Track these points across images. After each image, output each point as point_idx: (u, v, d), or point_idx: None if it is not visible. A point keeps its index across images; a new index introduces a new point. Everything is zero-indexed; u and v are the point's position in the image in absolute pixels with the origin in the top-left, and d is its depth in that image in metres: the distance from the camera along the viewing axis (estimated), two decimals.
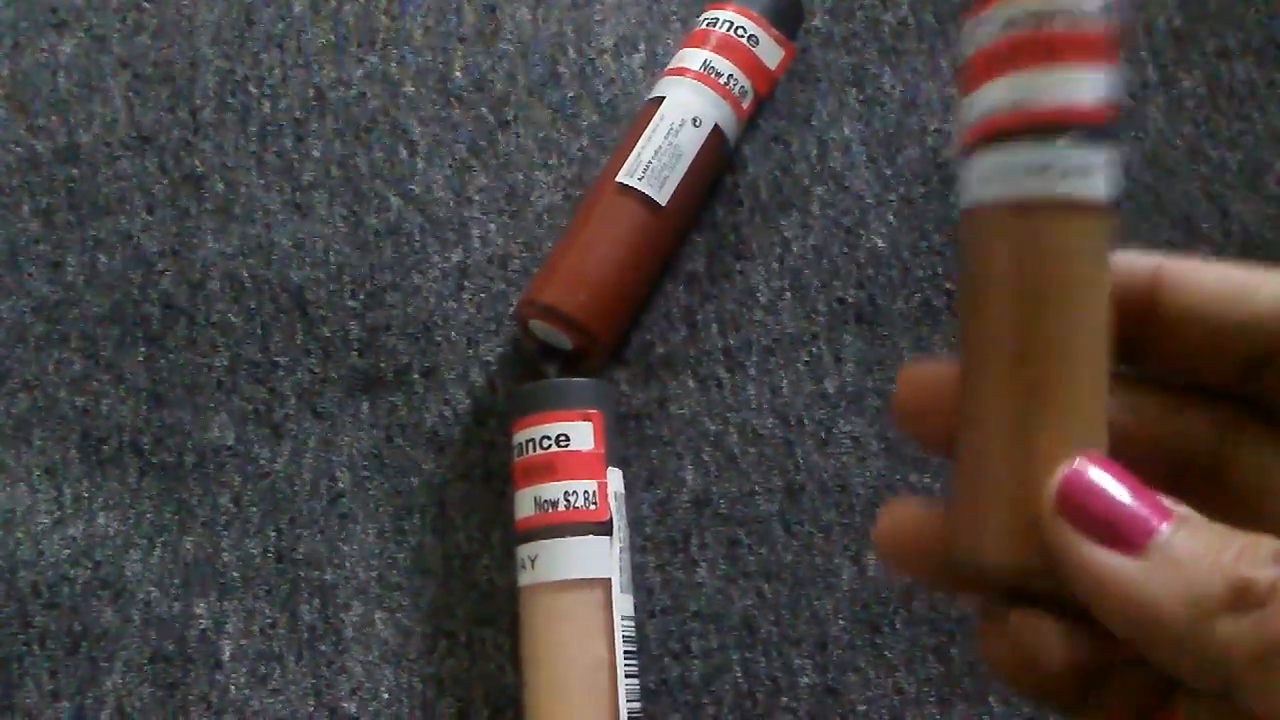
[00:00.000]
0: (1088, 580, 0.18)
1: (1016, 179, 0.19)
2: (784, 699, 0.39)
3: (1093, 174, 0.19)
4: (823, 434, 0.42)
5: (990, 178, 0.19)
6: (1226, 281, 0.21)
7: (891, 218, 0.44)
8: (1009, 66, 0.19)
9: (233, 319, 0.43)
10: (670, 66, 0.43)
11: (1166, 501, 0.19)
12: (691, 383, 0.42)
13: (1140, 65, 0.46)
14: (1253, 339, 0.20)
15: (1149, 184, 0.44)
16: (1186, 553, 0.18)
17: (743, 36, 0.43)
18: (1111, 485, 0.19)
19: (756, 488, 0.41)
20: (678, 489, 0.41)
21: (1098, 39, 0.19)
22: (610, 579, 0.37)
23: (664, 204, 0.41)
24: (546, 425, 0.38)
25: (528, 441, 0.38)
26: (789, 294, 0.43)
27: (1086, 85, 0.19)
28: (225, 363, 0.42)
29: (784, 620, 0.40)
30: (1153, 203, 0.44)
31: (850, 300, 0.43)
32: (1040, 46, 0.19)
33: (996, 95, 0.19)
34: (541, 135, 0.45)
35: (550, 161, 0.45)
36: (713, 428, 0.42)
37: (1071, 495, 0.19)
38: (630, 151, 0.41)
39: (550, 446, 0.38)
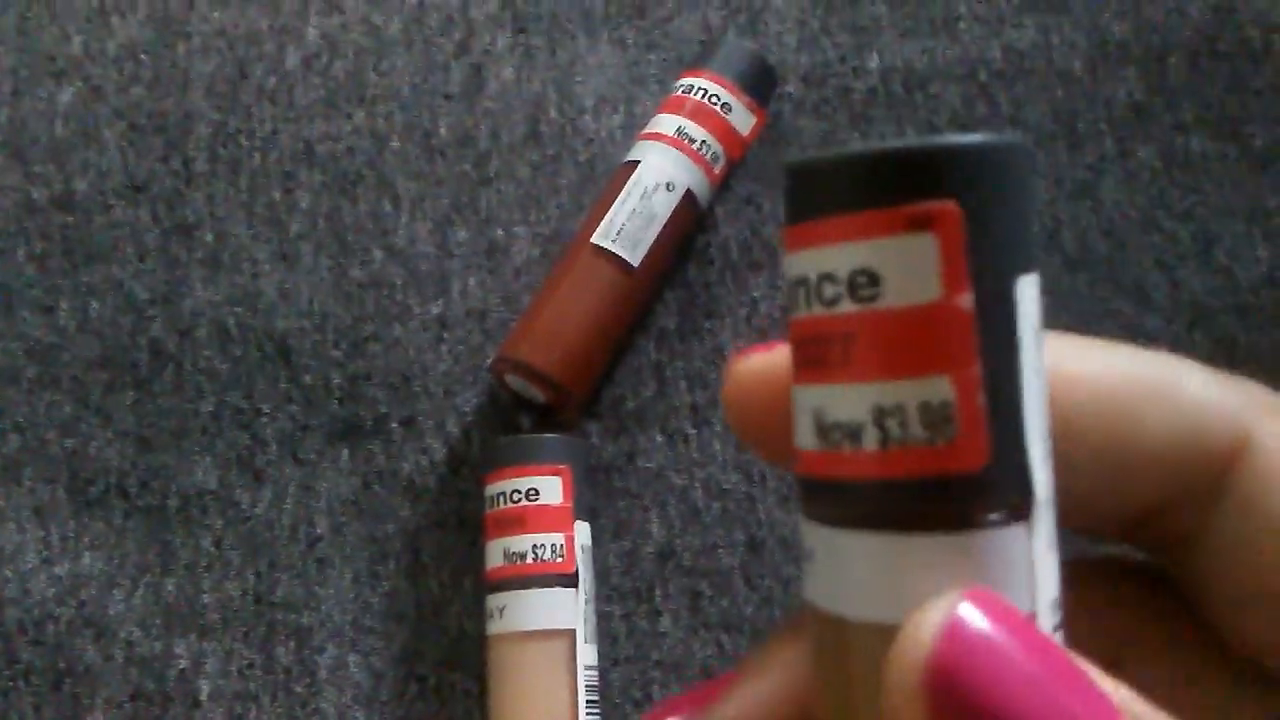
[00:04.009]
0: None
1: (912, 584, 0.12)
2: None
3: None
4: (784, 490, 0.43)
5: (871, 578, 0.12)
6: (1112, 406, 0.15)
7: None
8: (877, 368, 0.12)
9: (219, 366, 0.44)
10: (646, 131, 0.45)
11: (1106, 684, 0.12)
12: (659, 437, 0.44)
13: (1099, 137, 0.48)
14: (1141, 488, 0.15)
15: (1103, 254, 0.46)
16: None
17: (716, 104, 0.44)
18: (1012, 650, 0.11)
19: (719, 541, 0.43)
20: (644, 540, 0.43)
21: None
22: (574, 630, 0.38)
23: (636, 265, 0.42)
24: (517, 479, 0.40)
25: (499, 494, 0.40)
26: None
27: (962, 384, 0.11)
28: (210, 408, 0.44)
29: None
30: (1106, 273, 0.46)
31: None
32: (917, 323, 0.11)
33: (853, 410, 0.12)
34: (522, 192, 0.47)
35: (530, 217, 0.46)
36: (679, 481, 0.43)
37: (947, 668, 0.11)
38: (605, 214, 0.43)
39: (520, 500, 0.39)
